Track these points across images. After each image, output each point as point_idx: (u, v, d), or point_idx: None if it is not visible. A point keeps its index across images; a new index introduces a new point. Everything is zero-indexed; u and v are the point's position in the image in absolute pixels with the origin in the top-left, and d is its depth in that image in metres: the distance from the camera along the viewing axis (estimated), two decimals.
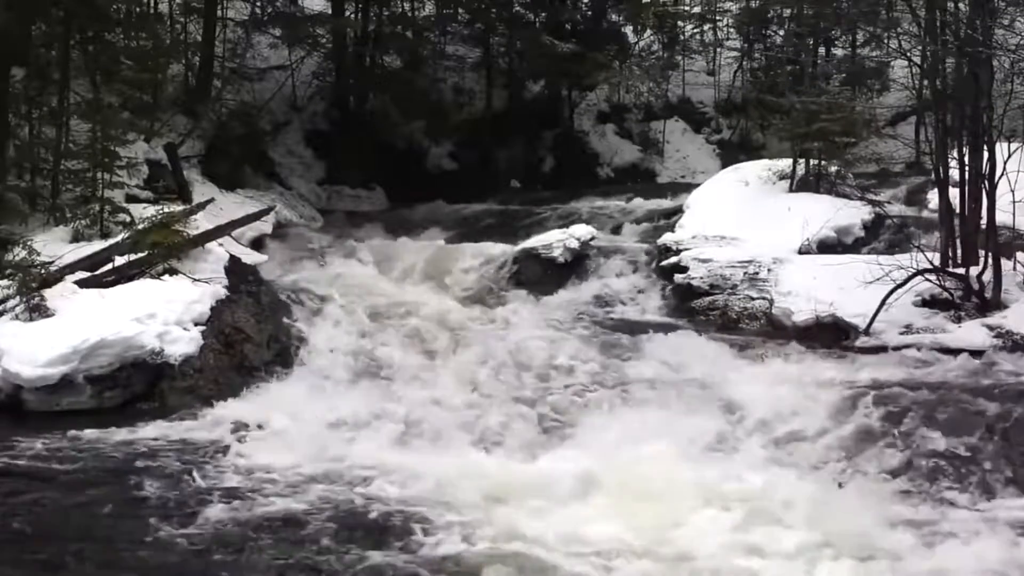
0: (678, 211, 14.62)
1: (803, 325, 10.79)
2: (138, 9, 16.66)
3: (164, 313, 9.75)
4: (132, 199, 13.11)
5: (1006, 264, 10.78)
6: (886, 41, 20.74)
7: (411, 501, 7.11)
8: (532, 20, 22.16)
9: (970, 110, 11.27)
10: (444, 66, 22.04)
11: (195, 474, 7.54)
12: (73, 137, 13.04)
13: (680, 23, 23.77)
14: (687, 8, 24.16)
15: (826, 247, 12.68)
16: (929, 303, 10.67)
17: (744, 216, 13.43)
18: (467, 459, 7.99)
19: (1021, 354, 9.66)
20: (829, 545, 6.42)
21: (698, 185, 15.85)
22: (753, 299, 11.50)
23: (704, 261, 12.25)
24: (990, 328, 10.06)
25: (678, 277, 12.25)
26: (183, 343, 9.59)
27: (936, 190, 11.88)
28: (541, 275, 13.06)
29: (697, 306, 11.79)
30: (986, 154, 10.79)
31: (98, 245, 11.17)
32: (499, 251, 13.69)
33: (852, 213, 13.32)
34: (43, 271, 10.02)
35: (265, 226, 14.58)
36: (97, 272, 10.64)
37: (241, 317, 10.54)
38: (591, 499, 7.14)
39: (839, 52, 21.88)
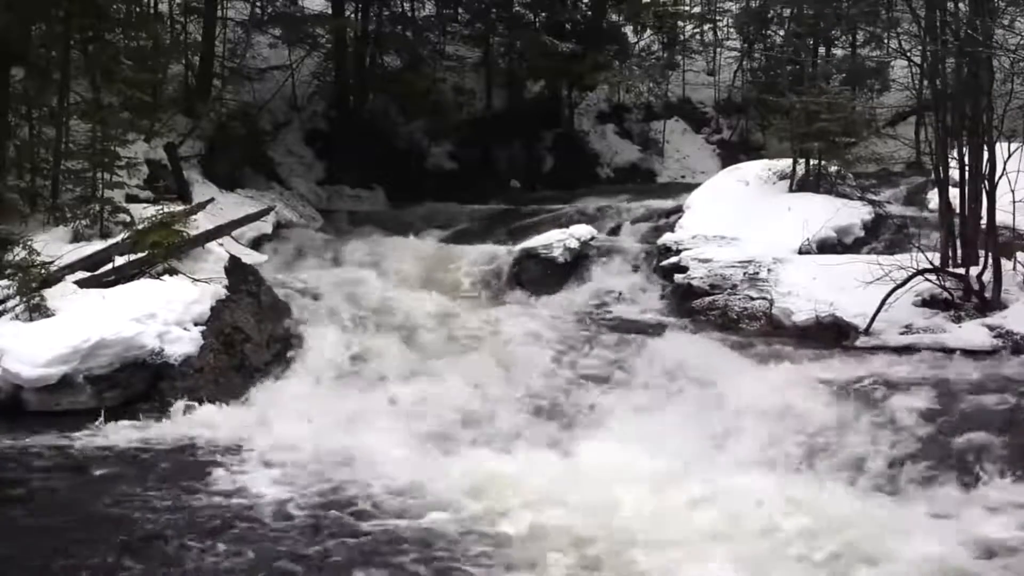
0: (678, 211, 14.61)
1: (803, 325, 10.79)
2: (138, 9, 16.65)
3: (164, 313, 9.75)
4: (132, 199, 13.10)
5: (1006, 264, 10.78)
6: (886, 41, 20.80)
7: (410, 498, 7.10)
8: (532, 20, 22.18)
9: (970, 110, 11.27)
10: (444, 66, 22.05)
11: (195, 474, 7.55)
12: (73, 137, 13.02)
13: (680, 23, 23.80)
14: (687, 8, 24.18)
15: (826, 247, 12.66)
16: (929, 303, 10.67)
17: (744, 216, 13.41)
18: (468, 458, 7.98)
19: (1021, 354, 9.67)
20: (834, 545, 6.41)
21: (698, 185, 15.83)
22: (753, 299, 11.48)
23: (704, 261, 12.24)
24: (990, 328, 10.06)
25: (678, 277, 12.24)
26: (183, 343, 9.60)
27: (936, 190, 11.88)
28: (541, 275, 13.06)
29: (697, 306, 11.78)
30: (986, 154, 10.80)
31: (98, 245, 11.16)
32: (499, 251, 13.69)
33: (852, 213, 13.31)
34: (43, 271, 10.01)
35: (265, 226, 14.59)
36: (97, 272, 10.64)
37: (241, 317, 10.54)
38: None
39: (839, 52, 21.87)
